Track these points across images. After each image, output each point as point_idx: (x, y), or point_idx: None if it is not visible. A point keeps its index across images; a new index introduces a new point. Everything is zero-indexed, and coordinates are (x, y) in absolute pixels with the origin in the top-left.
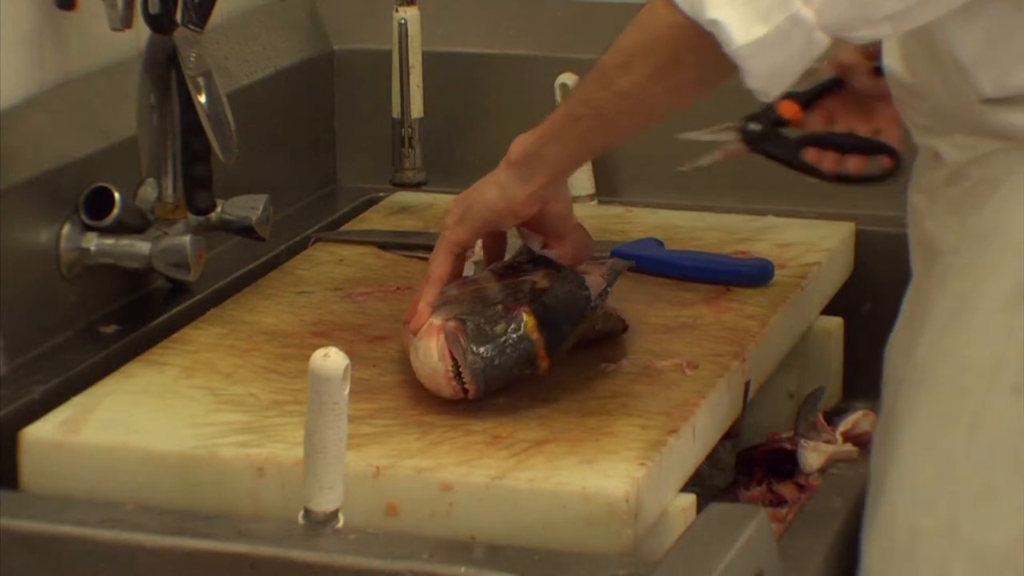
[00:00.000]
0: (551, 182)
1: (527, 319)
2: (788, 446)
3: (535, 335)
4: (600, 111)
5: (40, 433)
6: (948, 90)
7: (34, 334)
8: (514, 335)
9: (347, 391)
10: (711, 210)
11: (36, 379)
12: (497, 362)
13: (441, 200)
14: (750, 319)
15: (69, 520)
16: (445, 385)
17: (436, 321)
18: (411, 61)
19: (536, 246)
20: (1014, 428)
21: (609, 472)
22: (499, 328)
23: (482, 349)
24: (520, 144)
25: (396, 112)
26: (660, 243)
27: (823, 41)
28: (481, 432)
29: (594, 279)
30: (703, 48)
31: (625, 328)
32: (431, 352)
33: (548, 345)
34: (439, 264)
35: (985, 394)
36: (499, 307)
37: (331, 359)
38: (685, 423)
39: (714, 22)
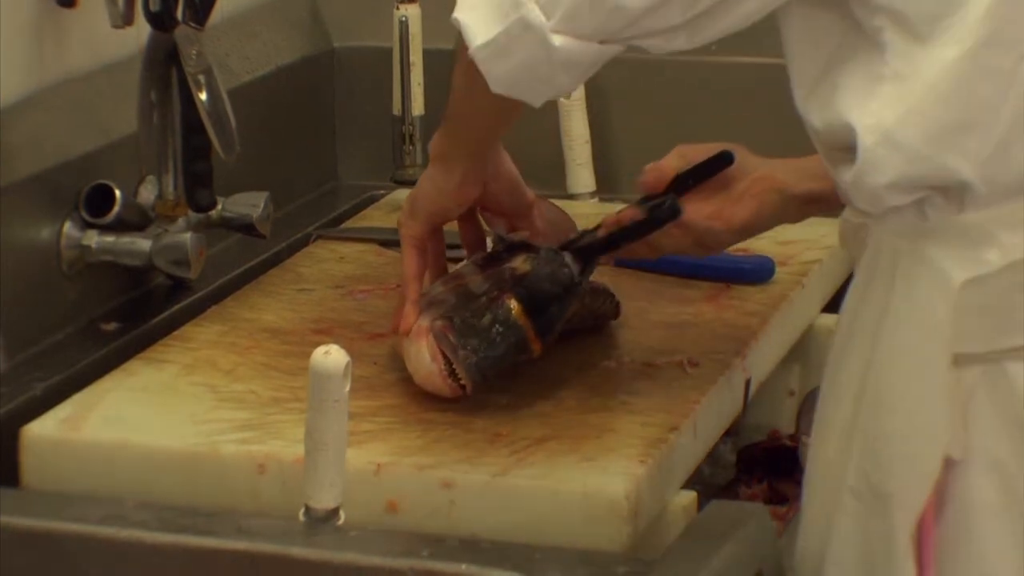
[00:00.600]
0: (472, 166)
1: (512, 305)
2: (789, 444)
3: (522, 320)
4: (476, 99)
5: (41, 430)
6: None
7: (35, 331)
8: (501, 324)
9: (348, 388)
10: None
11: (37, 376)
12: (489, 353)
13: None
14: (751, 316)
15: (70, 517)
16: (442, 384)
17: (423, 323)
18: (412, 58)
19: (502, 230)
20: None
21: (609, 469)
22: (486, 319)
23: (472, 343)
24: (435, 139)
25: (397, 109)
26: None
27: (570, 46)
28: (482, 430)
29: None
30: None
31: (617, 305)
32: (423, 354)
33: (537, 328)
34: (406, 262)
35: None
36: (483, 298)
37: (332, 356)
38: (686, 420)
39: (458, 21)
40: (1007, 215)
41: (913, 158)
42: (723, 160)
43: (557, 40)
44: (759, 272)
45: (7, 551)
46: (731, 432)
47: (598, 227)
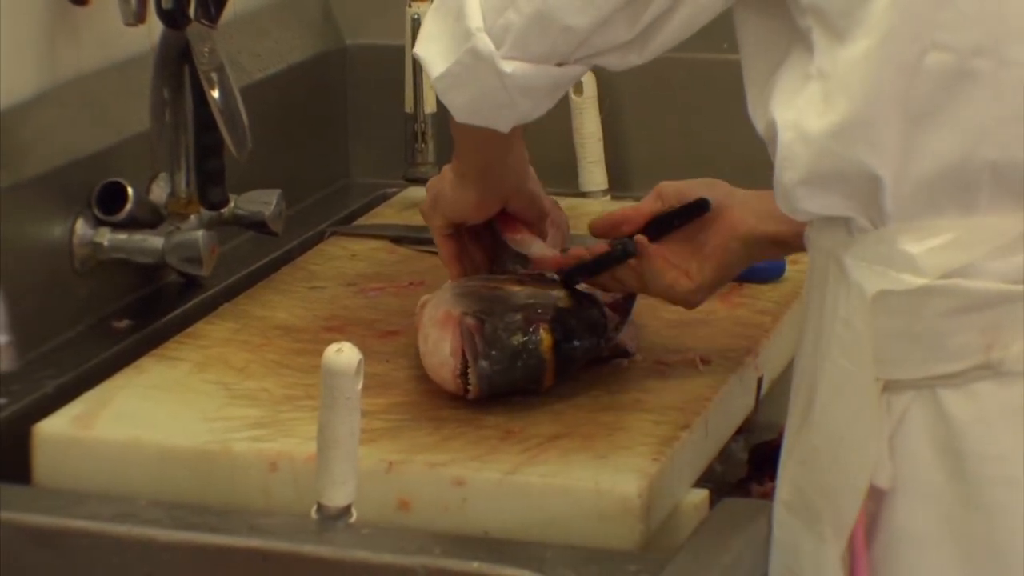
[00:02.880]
0: (487, 186)
1: (544, 337)
2: None
3: (548, 355)
4: (467, 127)
5: (53, 428)
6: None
7: (47, 329)
8: (528, 351)
9: (360, 386)
10: None
11: (49, 374)
12: (505, 372)
13: None
14: (763, 314)
15: (82, 515)
16: (450, 380)
17: (455, 312)
18: None
19: (527, 249)
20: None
21: (622, 467)
22: (515, 340)
23: (495, 355)
24: (455, 159)
25: (409, 107)
26: None
27: (523, 71)
28: (494, 427)
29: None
30: None
31: (630, 356)
32: (443, 344)
33: (557, 366)
34: (440, 247)
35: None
36: (519, 317)
37: (344, 354)
38: (698, 418)
39: (417, 56)
40: (923, 229)
41: (823, 152)
42: (699, 208)
43: (508, 67)
44: (771, 270)
45: (19, 549)
46: (743, 430)
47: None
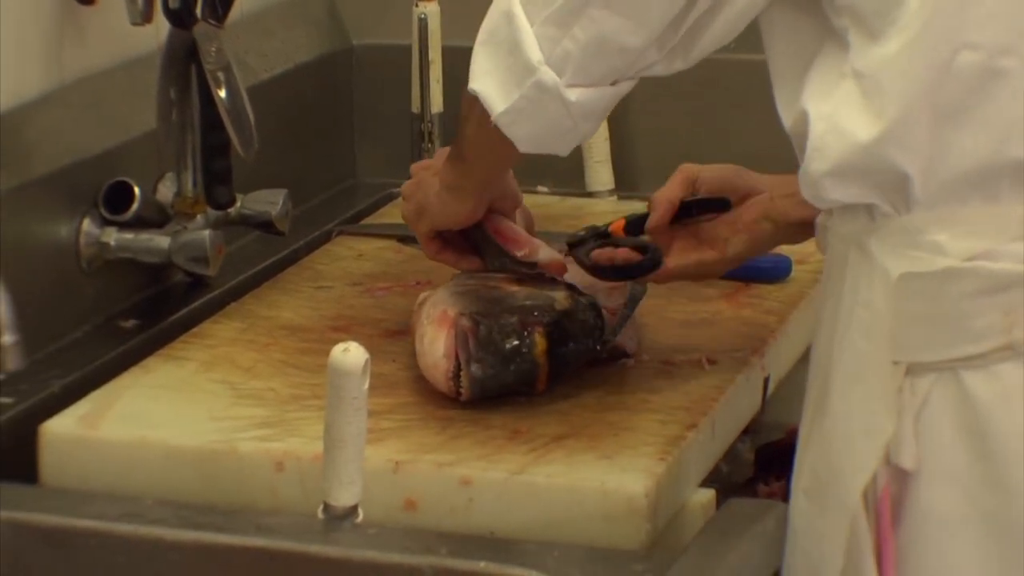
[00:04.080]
0: (483, 194)
1: (539, 342)
2: None
3: (542, 360)
4: (484, 144)
5: (59, 427)
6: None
7: (53, 328)
8: (522, 354)
9: (366, 386)
10: None
11: (55, 373)
12: (498, 376)
13: None
14: (769, 314)
15: (88, 514)
16: (442, 381)
17: (450, 312)
18: (431, 56)
19: (535, 257)
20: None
21: (628, 467)
22: (509, 343)
23: (487, 359)
24: (447, 169)
25: (415, 107)
26: None
27: (586, 96)
28: (500, 427)
29: (607, 304)
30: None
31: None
32: (437, 344)
33: (551, 370)
34: (429, 249)
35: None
36: (515, 319)
37: (351, 354)
38: (704, 418)
39: (475, 91)
40: (948, 217)
41: (856, 148)
42: (721, 205)
43: (572, 95)
44: (777, 270)
45: (25, 548)
46: (749, 430)
47: (593, 229)
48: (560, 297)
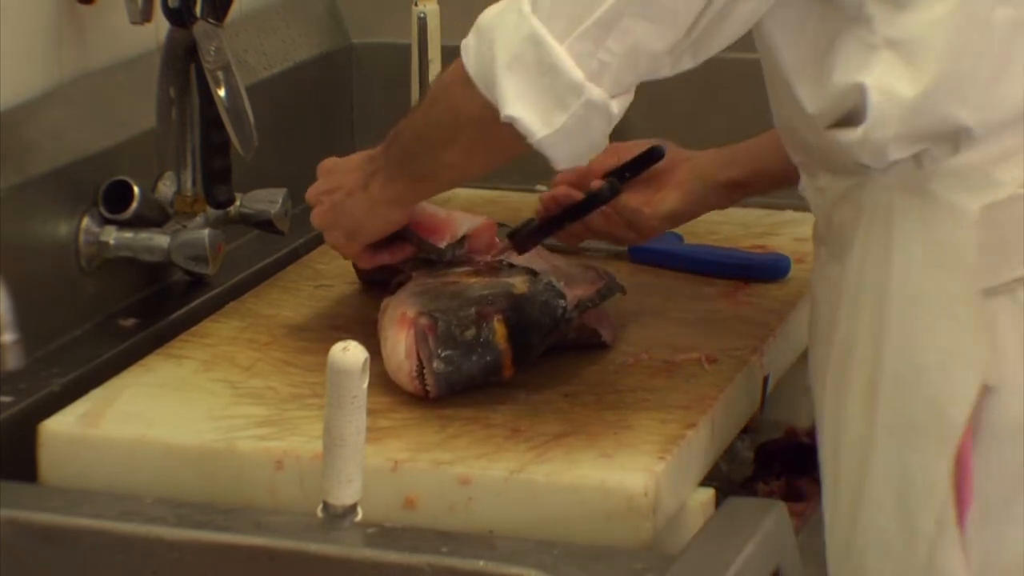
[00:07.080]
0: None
1: (498, 328)
2: (806, 440)
3: (503, 345)
4: (430, 172)
5: (59, 426)
6: (802, 120)
7: (53, 327)
8: (482, 344)
9: (366, 384)
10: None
11: (55, 372)
12: (462, 368)
13: (459, 194)
14: (768, 313)
15: (88, 513)
16: (407, 381)
17: (409, 312)
18: (430, 55)
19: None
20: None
21: (628, 466)
22: (469, 333)
23: (448, 353)
24: (385, 185)
25: (415, 105)
26: (679, 237)
27: (622, 103)
28: (500, 426)
29: (577, 292)
30: (508, 136)
31: (602, 341)
32: (399, 346)
33: (515, 355)
34: (368, 262)
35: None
36: (472, 310)
37: (350, 352)
38: (704, 417)
39: (511, 118)
40: (996, 153)
41: (916, 111)
42: (654, 155)
43: (616, 107)
44: (776, 269)
45: (25, 546)
46: (749, 429)
47: (532, 219)
48: (518, 282)
